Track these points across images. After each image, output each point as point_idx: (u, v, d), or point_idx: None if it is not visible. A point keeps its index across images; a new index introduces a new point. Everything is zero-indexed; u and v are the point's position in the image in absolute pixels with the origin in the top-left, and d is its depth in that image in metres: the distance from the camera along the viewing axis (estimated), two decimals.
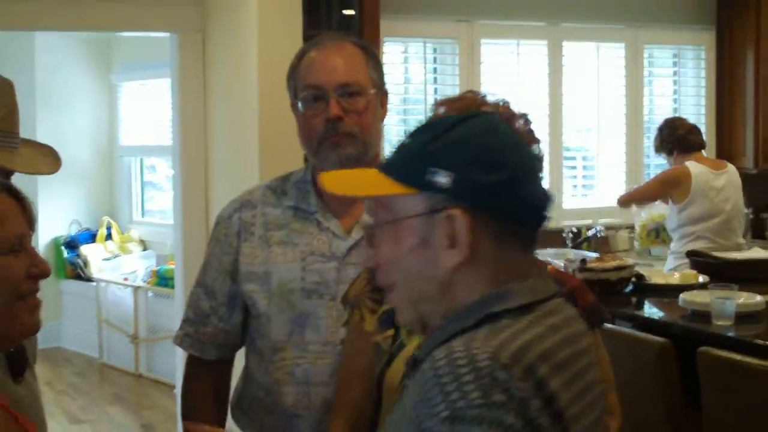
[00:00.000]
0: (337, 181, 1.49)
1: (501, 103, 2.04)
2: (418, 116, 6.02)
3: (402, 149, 1.42)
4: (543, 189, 1.41)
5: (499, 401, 1.20)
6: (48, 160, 2.25)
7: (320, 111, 2.16)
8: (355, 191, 1.48)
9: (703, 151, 5.59)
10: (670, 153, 5.54)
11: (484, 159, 1.34)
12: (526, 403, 1.22)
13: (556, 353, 1.32)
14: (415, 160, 1.37)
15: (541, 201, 1.41)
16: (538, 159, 1.44)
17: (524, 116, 2.03)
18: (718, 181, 5.37)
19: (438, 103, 2.08)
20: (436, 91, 6.18)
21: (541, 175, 1.43)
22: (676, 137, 5.48)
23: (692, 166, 5.38)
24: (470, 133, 1.37)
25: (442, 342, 1.30)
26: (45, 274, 1.66)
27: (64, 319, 8.81)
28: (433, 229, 1.35)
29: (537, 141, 2.04)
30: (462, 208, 1.33)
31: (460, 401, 1.20)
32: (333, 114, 2.15)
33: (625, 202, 5.77)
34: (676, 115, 6.86)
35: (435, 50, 6.30)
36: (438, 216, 1.34)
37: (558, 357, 1.31)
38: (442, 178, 1.33)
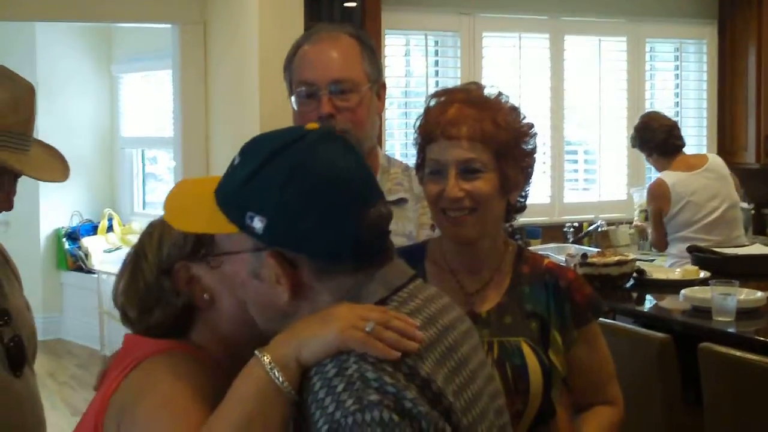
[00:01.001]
0: (174, 208, 1.49)
1: (497, 96, 2.03)
2: (420, 109, 5.99)
3: (231, 176, 1.41)
4: (368, 214, 1.39)
5: (374, 400, 1.23)
6: (58, 164, 2.25)
7: (313, 108, 2.15)
8: (186, 227, 1.49)
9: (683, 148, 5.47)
10: (649, 155, 5.40)
11: (290, 206, 1.34)
12: (402, 394, 1.25)
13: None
14: (235, 200, 1.38)
15: (367, 229, 1.38)
16: (365, 184, 1.42)
17: (516, 109, 2.03)
18: (699, 181, 5.16)
19: (433, 95, 2.07)
20: (437, 84, 6.17)
21: (366, 200, 1.40)
22: (656, 142, 5.24)
23: (667, 176, 5.21)
24: (278, 177, 1.35)
25: None
26: None
27: (65, 311, 8.81)
28: (261, 265, 1.39)
29: (533, 135, 2.04)
30: (277, 252, 1.37)
31: (337, 412, 1.23)
32: (324, 112, 2.14)
33: (659, 243, 5.37)
34: (677, 109, 6.88)
35: (437, 43, 6.30)
36: (263, 254, 1.38)
37: (425, 341, 1.34)
38: (258, 224, 1.35)
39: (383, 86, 2.29)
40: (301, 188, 1.35)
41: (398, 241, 1.96)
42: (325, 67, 2.17)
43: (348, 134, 1.48)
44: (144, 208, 9.20)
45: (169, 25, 5.82)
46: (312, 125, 1.43)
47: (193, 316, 1.62)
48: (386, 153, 2.61)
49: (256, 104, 5.07)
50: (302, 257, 1.37)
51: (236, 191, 1.38)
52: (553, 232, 6.35)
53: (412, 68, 6.33)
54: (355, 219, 1.37)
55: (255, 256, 1.39)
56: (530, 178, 2.06)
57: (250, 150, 1.42)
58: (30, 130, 2.14)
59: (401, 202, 2.35)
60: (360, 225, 1.37)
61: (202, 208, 1.42)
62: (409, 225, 2.36)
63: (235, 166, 1.41)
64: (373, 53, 2.26)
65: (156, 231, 1.65)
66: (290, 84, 2.24)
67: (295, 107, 2.20)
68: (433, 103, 2.02)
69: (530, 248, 5.40)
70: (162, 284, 1.60)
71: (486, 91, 2.04)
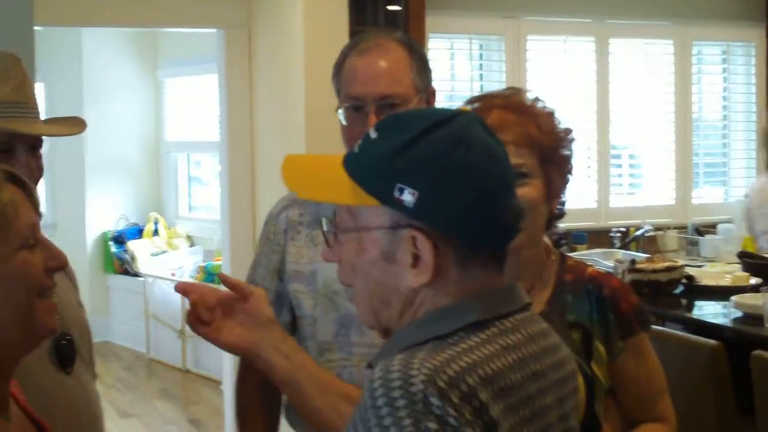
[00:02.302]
0: (301, 178, 1.41)
1: (534, 101, 2.00)
2: None
3: (369, 149, 1.34)
4: (513, 203, 1.34)
5: (432, 429, 1.17)
6: (72, 126, 2.22)
7: (360, 123, 2.11)
8: (317, 196, 1.43)
9: None
10: None
11: (449, 181, 1.28)
12: (462, 430, 1.18)
13: (504, 376, 1.26)
14: (381, 171, 1.30)
15: (510, 218, 1.33)
16: (511, 173, 1.36)
17: (553, 114, 2.00)
18: None
19: (469, 101, 2.03)
20: (482, 87, 6.14)
21: (512, 187, 1.35)
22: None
23: (756, 182, 5.38)
24: (438, 148, 1.29)
25: (389, 355, 1.27)
26: (63, 265, 1.59)
27: (111, 314, 8.89)
28: (396, 244, 1.31)
29: (572, 140, 2.01)
30: (425, 229, 1.29)
31: (393, 428, 1.17)
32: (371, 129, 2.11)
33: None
34: (725, 113, 6.85)
35: (481, 46, 6.27)
36: (402, 232, 1.30)
37: (506, 380, 1.26)
38: (408, 197, 1.28)
39: (433, 93, 2.25)
40: (462, 161, 1.28)
41: None
42: (374, 81, 2.12)
43: None
44: (190, 212, 9.27)
45: (214, 30, 5.85)
46: (464, 108, 1.39)
47: None
48: None
49: (302, 108, 5.07)
50: (448, 238, 1.29)
51: (384, 163, 1.30)
52: (600, 238, 6.28)
53: (456, 72, 6.31)
54: (505, 204, 1.32)
55: (391, 234, 1.30)
56: (567, 185, 2.04)
57: (394, 125, 1.35)
58: (28, 96, 2.09)
59: None
60: (507, 211, 1.32)
61: (339, 180, 1.34)
62: None
63: (374, 140, 1.33)
64: (423, 62, 2.20)
65: None
66: (338, 94, 2.21)
67: (343, 121, 2.16)
68: (469, 109, 1.97)
69: (576, 254, 5.37)
70: None
71: (522, 96, 2.01)
